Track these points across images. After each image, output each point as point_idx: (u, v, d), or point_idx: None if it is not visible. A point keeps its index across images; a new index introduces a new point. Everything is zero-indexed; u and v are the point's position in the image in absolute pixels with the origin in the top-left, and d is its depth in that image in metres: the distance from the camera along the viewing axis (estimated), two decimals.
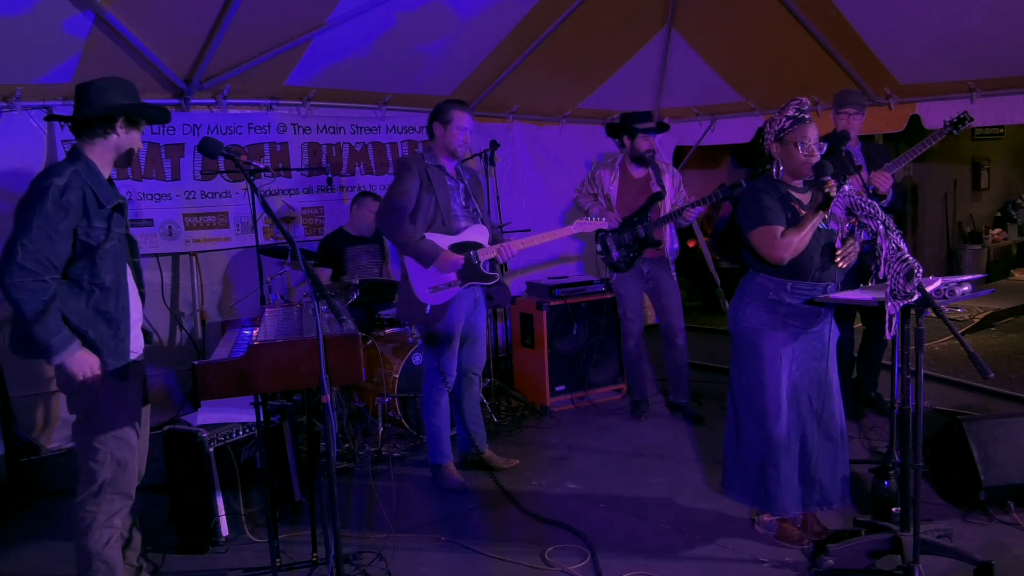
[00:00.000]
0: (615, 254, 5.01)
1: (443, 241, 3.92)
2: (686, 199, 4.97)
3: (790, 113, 3.12)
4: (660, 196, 4.87)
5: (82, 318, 2.63)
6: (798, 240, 3.01)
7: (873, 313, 4.59)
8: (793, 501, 3.22)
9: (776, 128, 3.15)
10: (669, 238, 5.00)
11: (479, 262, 4.00)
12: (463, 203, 4.05)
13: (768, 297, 3.15)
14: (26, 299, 2.51)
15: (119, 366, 2.70)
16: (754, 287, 3.20)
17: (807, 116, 3.13)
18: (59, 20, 3.91)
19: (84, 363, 2.61)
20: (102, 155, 2.71)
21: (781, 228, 3.06)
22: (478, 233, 4.05)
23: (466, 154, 4.13)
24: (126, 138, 2.75)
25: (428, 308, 3.93)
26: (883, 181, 4.35)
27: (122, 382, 2.69)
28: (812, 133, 3.10)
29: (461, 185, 4.06)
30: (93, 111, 2.67)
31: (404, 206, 3.86)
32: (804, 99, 3.14)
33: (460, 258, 3.90)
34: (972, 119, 4.19)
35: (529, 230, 4.24)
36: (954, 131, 4.23)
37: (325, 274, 5.10)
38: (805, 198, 3.19)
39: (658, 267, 5.00)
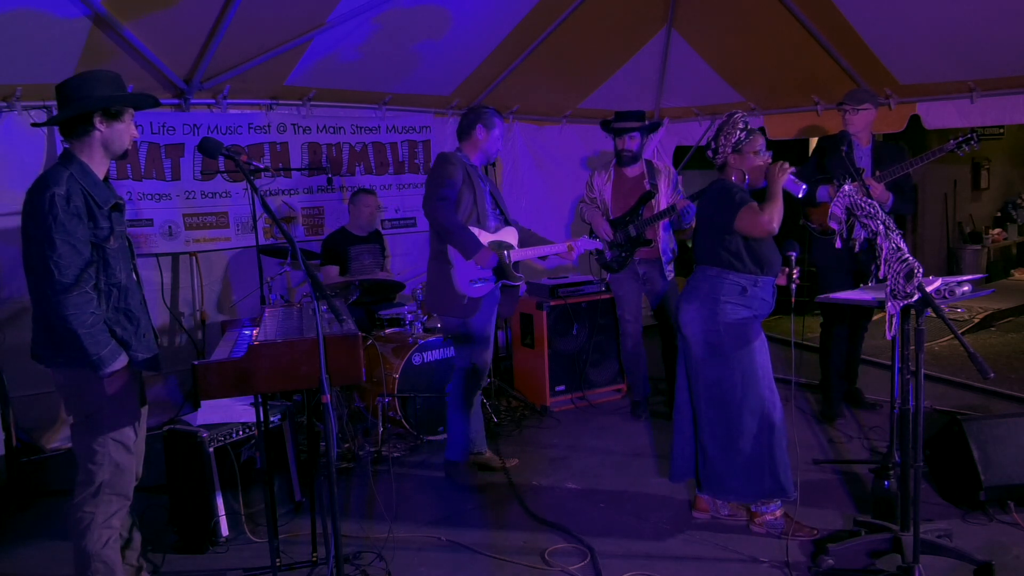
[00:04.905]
0: (608, 254, 5.02)
1: (482, 237, 3.94)
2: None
3: (740, 126, 3.38)
4: (651, 195, 4.87)
5: (107, 318, 2.62)
6: (778, 210, 3.24)
7: (858, 309, 4.60)
8: (792, 482, 3.29)
9: (732, 140, 3.37)
10: (664, 238, 4.97)
11: (510, 262, 4.03)
12: (492, 204, 4.08)
13: (746, 292, 3.29)
14: (74, 315, 2.50)
15: (148, 356, 2.73)
16: (728, 286, 3.31)
17: (753, 128, 3.43)
18: (59, 20, 3.91)
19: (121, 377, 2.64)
20: (92, 154, 2.64)
21: (756, 204, 3.27)
22: (510, 235, 4.08)
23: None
24: (110, 132, 2.62)
25: (466, 299, 3.94)
26: (872, 188, 4.31)
27: (125, 384, 2.68)
28: (762, 142, 3.39)
29: (488, 187, 4.10)
30: (68, 111, 2.60)
31: (453, 193, 3.88)
32: (740, 112, 3.47)
33: (496, 255, 3.92)
34: (978, 138, 4.18)
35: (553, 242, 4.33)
36: (959, 151, 4.22)
37: (331, 272, 5.09)
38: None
39: (652, 268, 4.99)
